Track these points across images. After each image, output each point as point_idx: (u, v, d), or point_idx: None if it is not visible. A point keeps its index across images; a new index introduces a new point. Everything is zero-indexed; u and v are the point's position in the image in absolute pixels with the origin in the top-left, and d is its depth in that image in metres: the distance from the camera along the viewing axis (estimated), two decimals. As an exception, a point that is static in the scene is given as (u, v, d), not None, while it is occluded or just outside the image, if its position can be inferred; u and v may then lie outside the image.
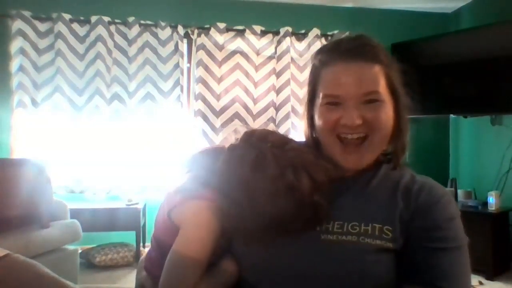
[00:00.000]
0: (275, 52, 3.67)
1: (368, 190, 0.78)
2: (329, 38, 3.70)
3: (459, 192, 3.43)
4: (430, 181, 0.80)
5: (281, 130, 3.61)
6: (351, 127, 0.74)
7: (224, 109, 3.61)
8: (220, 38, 3.59)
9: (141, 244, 3.27)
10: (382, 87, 0.76)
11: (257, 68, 3.65)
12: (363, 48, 0.76)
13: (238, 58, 3.62)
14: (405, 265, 0.72)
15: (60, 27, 3.33)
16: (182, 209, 0.79)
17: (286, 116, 3.63)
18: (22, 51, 3.28)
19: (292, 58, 3.66)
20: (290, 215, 0.70)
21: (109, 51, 3.42)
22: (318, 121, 0.79)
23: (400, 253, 0.73)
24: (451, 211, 0.76)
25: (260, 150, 0.74)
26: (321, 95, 0.78)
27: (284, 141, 0.78)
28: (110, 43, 3.42)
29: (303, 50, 3.70)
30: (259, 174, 0.71)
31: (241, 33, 3.62)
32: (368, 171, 0.81)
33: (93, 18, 3.38)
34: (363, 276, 0.70)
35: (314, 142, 0.85)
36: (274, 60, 3.67)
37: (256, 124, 3.63)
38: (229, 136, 0.84)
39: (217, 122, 3.59)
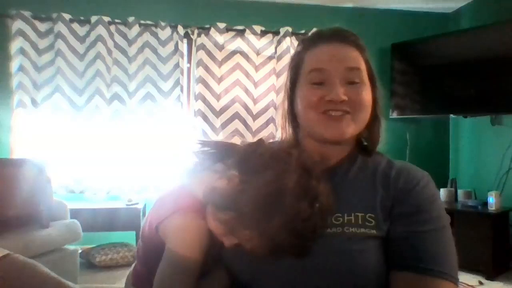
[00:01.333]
0: (275, 52, 3.67)
1: (348, 180, 0.80)
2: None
3: (459, 192, 3.43)
4: (407, 165, 0.82)
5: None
6: (336, 102, 0.76)
7: (224, 109, 3.61)
8: (220, 38, 3.59)
9: (141, 244, 3.26)
10: (363, 69, 0.80)
11: (257, 68, 3.65)
12: (344, 34, 0.81)
13: (238, 58, 3.62)
14: (392, 252, 0.73)
15: (60, 27, 3.33)
16: (169, 223, 0.75)
17: (286, 116, 3.62)
18: (22, 51, 3.28)
19: (292, 58, 3.65)
20: (292, 246, 0.67)
21: (109, 51, 3.42)
22: (301, 102, 0.80)
23: (386, 240, 0.74)
24: (432, 192, 0.77)
25: (281, 178, 0.67)
26: (305, 74, 0.80)
27: (308, 167, 0.72)
28: (110, 43, 3.42)
29: (303, 50, 3.70)
30: (278, 201, 0.66)
31: (241, 33, 3.62)
32: (345, 161, 0.83)
33: (93, 18, 3.38)
34: (350, 266, 0.70)
35: (293, 136, 0.87)
36: (274, 60, 3.68)
37: (256, 124, 3.64)
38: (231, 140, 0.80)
39: (217, 122, 3.59)
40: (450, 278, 0.69)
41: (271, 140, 0.89)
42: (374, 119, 0.83)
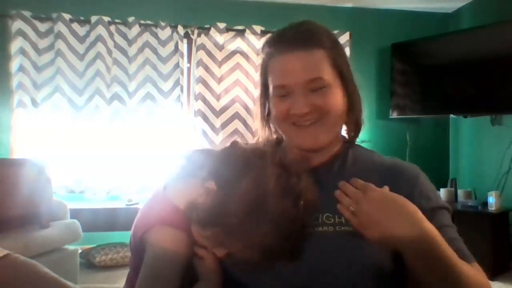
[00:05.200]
0: (275, 52, 3.67)
1: (338, 179, 0.78)
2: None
3: (459, 192, 3.43)
4: (398, 161, 0.84)
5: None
6: (300, 115, 0.77)
7: (224, 109, 3.61)
8: (220, 38, 3.59)
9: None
10: (327, 72, 0.77)
11: (257, 68, 3.63)
12: (305, 36, 0.78)
13: (238, 58, 3.62)
14: None
15: (60, 27, 3.33)
16: (150, 235, 0.75)
17: (286, 116, 3.63)
18: (22, 51, 3.27)
19: (292, 58, 3.65)
20: (279, 248, 0.67)
21: (109, 51, 3.42)
22: (272, 112, 0.83)
23: None
24: (429, 182, 0.82)
25: (262, 179, 0.67)
26: (271, 87, 0.81)
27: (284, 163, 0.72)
28: (110, 43, 3.42)
29: (303, 50, 3.70)
30: (261, 207, 0.66)
31: (241, 33, 3.62)
32: (336, 157, 0.84)
33: (93, 18, 3.38)
34: (344, 263, 0.71)
35: (276, 137, 0.90)
36: (274, 60, 3.67)
37: (256, 124, 3.63)
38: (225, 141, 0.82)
39: (217, 122, 3.59)
40: (474, 260, 0.74)
41: (252, 141, 0.90)
42: (350, 114, 0.83)
